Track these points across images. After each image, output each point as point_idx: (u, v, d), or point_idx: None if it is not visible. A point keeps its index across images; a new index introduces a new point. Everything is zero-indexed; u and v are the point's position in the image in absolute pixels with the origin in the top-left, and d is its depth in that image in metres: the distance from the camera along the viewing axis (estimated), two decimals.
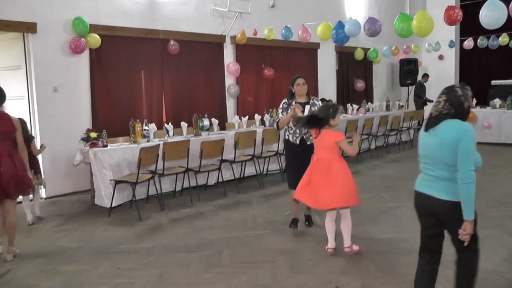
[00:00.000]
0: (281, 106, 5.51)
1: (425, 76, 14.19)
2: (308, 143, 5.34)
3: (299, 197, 4.75)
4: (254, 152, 7.89)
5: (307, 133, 5.33)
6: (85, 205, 7.00)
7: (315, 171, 4.59)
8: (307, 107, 5.37)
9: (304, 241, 5.10)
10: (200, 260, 4.63)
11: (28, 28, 7.17)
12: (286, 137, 5.54)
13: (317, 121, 4.56)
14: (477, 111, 12.09)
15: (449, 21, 6.73)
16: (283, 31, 9.42)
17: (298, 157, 5.33)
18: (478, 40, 12.36)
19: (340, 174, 4.50)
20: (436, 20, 6.89)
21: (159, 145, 6.63)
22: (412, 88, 14.97)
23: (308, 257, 4.64)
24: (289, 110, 5.31)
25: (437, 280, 3.92)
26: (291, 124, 5.37)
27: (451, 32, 14.27)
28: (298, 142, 5.41)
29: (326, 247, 4.76)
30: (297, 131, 5.38)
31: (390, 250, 4.75)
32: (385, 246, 4.86)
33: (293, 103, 5.38)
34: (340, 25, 7.99)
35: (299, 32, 9.03)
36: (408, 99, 14.88)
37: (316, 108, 5.29)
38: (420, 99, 13.74)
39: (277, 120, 5.48)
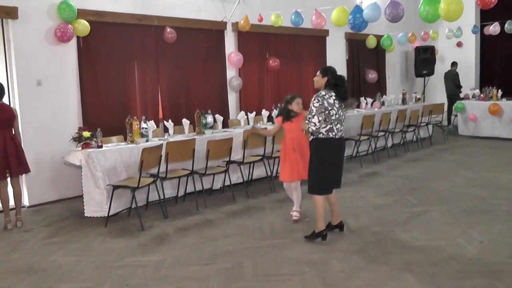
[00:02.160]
0: None
1: (455, 64, 14.32)
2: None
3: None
4: (264, 152, 7.88)
5: None
6: (76, 214, 6.92)
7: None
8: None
9: (331, 250, 5.09)
10: (218, 274, 4.60)
11: (7, 13, 7.09)
12: None
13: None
14: (503, 103, 12.16)
15: (483, 4, 6.75)
16: (292, 17, 9.38)
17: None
18: (506, 25, 12.36)
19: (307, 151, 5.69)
20: None
21: (161, 145, 6.59)
22: (428, 79, 15.05)
23: (339, 268, 4.63)
24: None
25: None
26: None
27: (471, 17, 14.36)
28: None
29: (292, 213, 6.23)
30: None
31: (426, 259, 4.75)
32: (421, 255, 4.86)
33: None
34: (357, 9, 7.96)
35: (313, 18, 8.99)
36: (424, 91, 14.94)
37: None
38: (458, 89, 13.82)
39: None
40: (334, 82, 5.28)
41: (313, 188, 5.42)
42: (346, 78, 5.54)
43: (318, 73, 5.42)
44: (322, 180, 5.38)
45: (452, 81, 14.14)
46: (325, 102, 5.14)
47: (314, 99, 5.17)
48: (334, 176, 5.46)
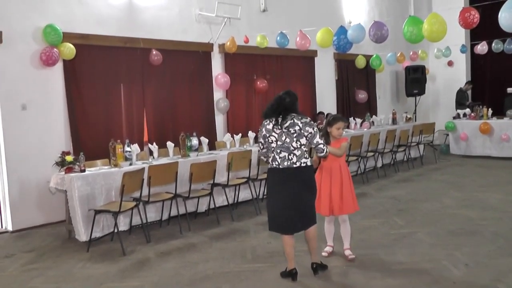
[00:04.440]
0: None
1: (468, 83, 14.45)
2: None
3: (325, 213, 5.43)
4: (249, 174, 7.85)
5: None
6: (60, 238, 6.87)
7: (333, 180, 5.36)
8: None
9: (312, 274, 5.02)
10: None
11: None
12: (310, 163, 4.96)
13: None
14: (493, 122, 12.19)
15: (465, 24, 6.79)
16: (278, 38, 9.43)
17: None
18: (493, 44, 12.49)
19: (349, 180, 5.46)
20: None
21: (143, 168, 6.56)
22: (419, 99, 15.10)
23: None
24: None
25: None
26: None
27: (461, 36, 14.46)
28: None
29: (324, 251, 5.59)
30: None
31: (409, 283, 4.71)
32: (404, 279, 4.81)
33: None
34: (342, 31, 8.02)
35: (297, 39, 9.05)
36: (415, 110, 14.96)
37: None
38: (462, 106, 13.83)
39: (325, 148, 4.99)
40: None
41: (268, 223, 5.04)
42: (278, 96, 4.87)
43: None
44: (270, 216, 4.96)
45: (458, 98, 14.21)
46: (263, 128, 4.86)
47: None
48: (282, 214, 4.83)
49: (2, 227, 7.46)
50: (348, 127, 11.31)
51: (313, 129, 4.82)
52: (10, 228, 7.36)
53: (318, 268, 5.02)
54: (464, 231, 6.31)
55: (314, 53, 11.87)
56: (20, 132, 7.41)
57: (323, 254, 5.50)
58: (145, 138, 8.83)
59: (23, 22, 7.42)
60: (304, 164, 4.81)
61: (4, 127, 7.29)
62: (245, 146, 8.66)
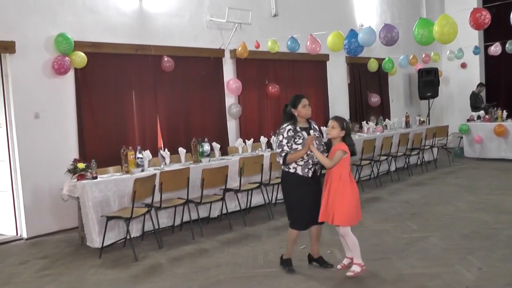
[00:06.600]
0: (285, 134, 5.05)
1: (480, 85, 14.33)
2: (318, 174, 5.36)
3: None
4: (261, 179, 7.87)
5: (318, 163, 5.16)
6: (73, 245, 6.93)
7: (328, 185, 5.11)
8: (311, 132, 5.18)
9: (324, 279, 5.02)
10: None
11: (5, 47, 7.18)
12: (293, 170, 5.09)
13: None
14: (508, 124, 12.06)
15: (476, 25, 6.74)
16: (288, 42, 9.43)
17: (312, 193, 5.16)
18: (507, 45, 12.38)
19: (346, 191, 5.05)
20: (458, 24, 6.88)
21: (155, 174, 6.60)
22: (432, 101, 15.01)
23: None
24: (297, 140, 5.05)
25: None
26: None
27: (474, 37, 14.37)
28: (310, 174, 5.14)
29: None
30: (310, 161, 5.09)
31: (422, 287, 4.68)
32: (416, 284, 4.78)
33: (311, 133, 5.14)
34: (352, 34, 7.99)
35: (307, 43, 9.04)
36: (429, 113, 14.86)
37: (317, 133, 5.24)
38: (477, 109, 13.73)
39: (283, 154, 5.04)
40: None
41: None
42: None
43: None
44: None
45: (472, 102, 14.11)
46: None
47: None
48: None
49: (17, 234, 7.53)
50: (361, 130, 11.26)
51: (277, 137, 5.39)
52: (25, 235, 7.42)
53: (314, 261, 5.44)
54: (478, 235, 6.25)
55: (326, 57, 11.86)
56: (33, 140, 7.48)
57: (338, 267, 5.27)
58: (160, 144, 8.87)
59: (35, 31, 7.50)
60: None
61: (18, 135, 7.36)
62: (257, 151, 8.67)
